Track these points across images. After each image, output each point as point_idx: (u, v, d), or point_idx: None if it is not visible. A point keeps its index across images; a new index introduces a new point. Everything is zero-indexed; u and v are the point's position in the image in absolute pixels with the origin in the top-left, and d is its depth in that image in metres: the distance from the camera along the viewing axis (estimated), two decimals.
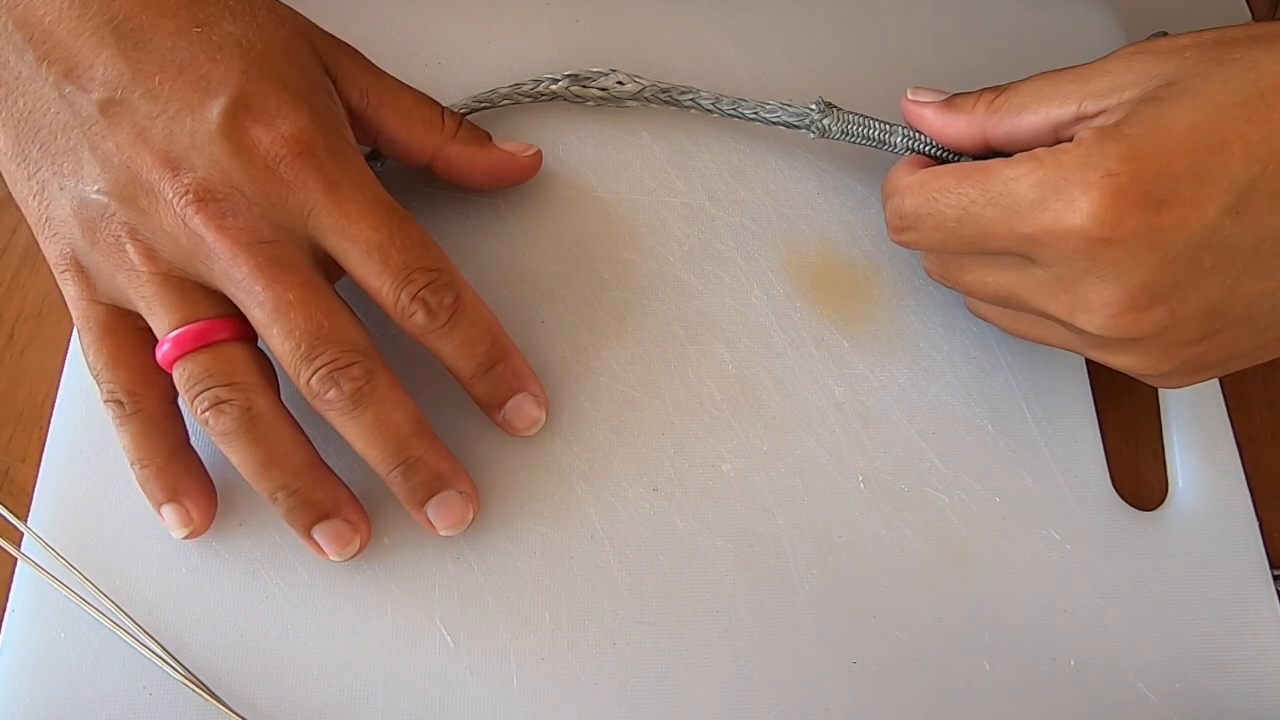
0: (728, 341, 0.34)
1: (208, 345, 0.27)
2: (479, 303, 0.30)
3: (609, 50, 0.38)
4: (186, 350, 0.27)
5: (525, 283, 0.34)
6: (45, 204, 0.28)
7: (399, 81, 0.32)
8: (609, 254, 0.34)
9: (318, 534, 0.29)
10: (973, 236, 0.28)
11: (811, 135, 0.33)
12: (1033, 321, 0.30)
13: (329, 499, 0.29)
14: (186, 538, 0.29)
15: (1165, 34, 0.37)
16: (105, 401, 0.28)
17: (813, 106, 0.33)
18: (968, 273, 0.30)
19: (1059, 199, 0.25)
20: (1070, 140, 0.26)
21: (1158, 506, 0.33)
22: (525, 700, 0.29)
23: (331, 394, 0.27)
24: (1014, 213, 0.26)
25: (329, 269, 0.29)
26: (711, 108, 0.35)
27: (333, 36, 0.31)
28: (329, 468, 0.29)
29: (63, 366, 0.33)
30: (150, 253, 0.27)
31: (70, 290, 0.28)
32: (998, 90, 0.29)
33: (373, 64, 0.32)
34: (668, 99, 0.35)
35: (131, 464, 0.29)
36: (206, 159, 0.26)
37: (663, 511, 0.31)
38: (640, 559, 0.31)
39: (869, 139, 0.33)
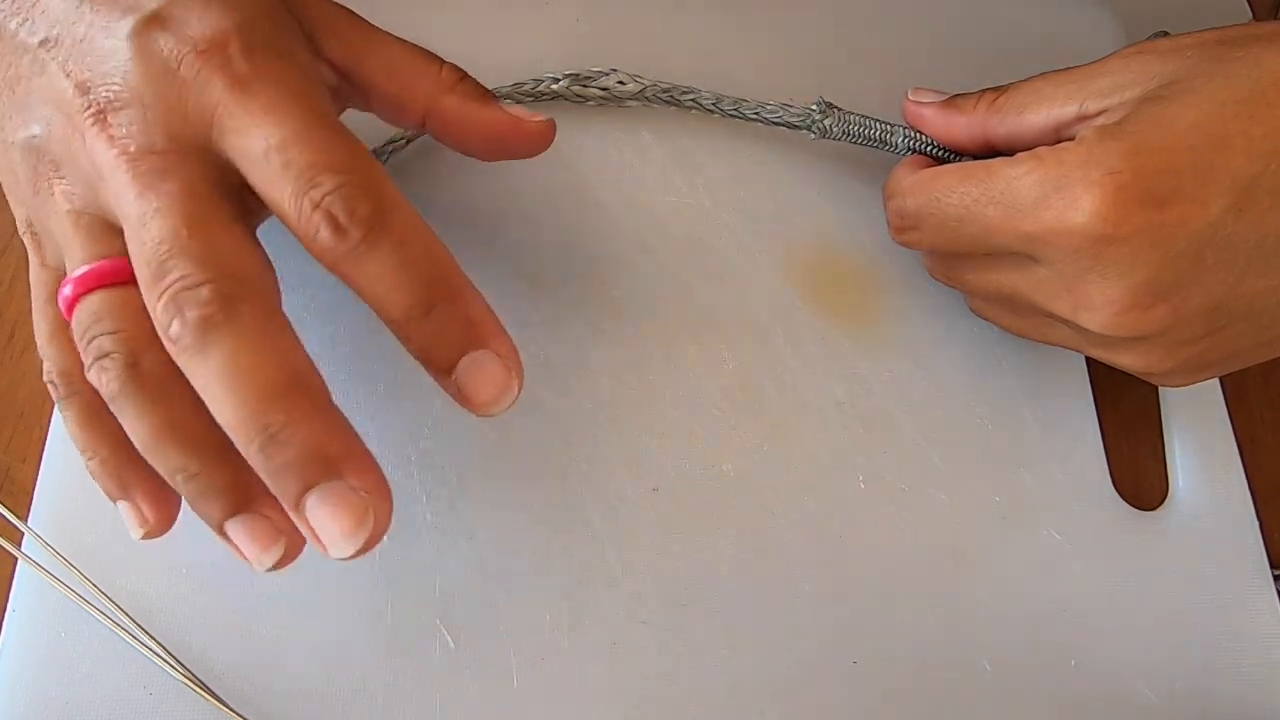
0: (728, 341, 0.34)
1: (104, 287, 0.23)
2: (414, 220, 0.23)
3: (609, 50, 0.38)
4: (81, 292, 0.23)
5: (525, 283, 0.34)
6: (9, 162, 0.26)
7: (393, 35, 0.29)
8: (609, 254, 0.34)
9: (231, 531, 0.23)
10: (975, 235, 0.28)
11: (812, 136, 0.34)
12: (1035, 320, 0.30)
13: (239, 485, 0.23)
14: (144, 538, 0.25)
15: (1166, 34, 0.37)
16: (45, 381, 0.25)
17: (814, 107, 0.33)
18: (970, 272, 0.30)
19: (1061, 196, 0.25)
20: (1072, 139, 0.26)
21: (1158, 506, 0.33)
22: (525, 700, 0.29)
23: (174, 326, 0.21)
24: (1016, 211, 0.26)
25: (247, 199, 0.24)
26: (712, 108, 0.35)
27: None
28: None
29: None
30: (68, 192, 0.24)
31: (30, 256, 0.26)
32: (999, 90, 0.29)
33: (364, 20, 0.28)
34: (669, 99, 0.35)
35: (80, 454, 0.25)
36: (112, 71, 0.23)
37: (663, 511, 0.31)
38: (640, 559, 0.31)
39: (870, 139, 0.33)
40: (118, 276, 0.23)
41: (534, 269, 0.34)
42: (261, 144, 0.22)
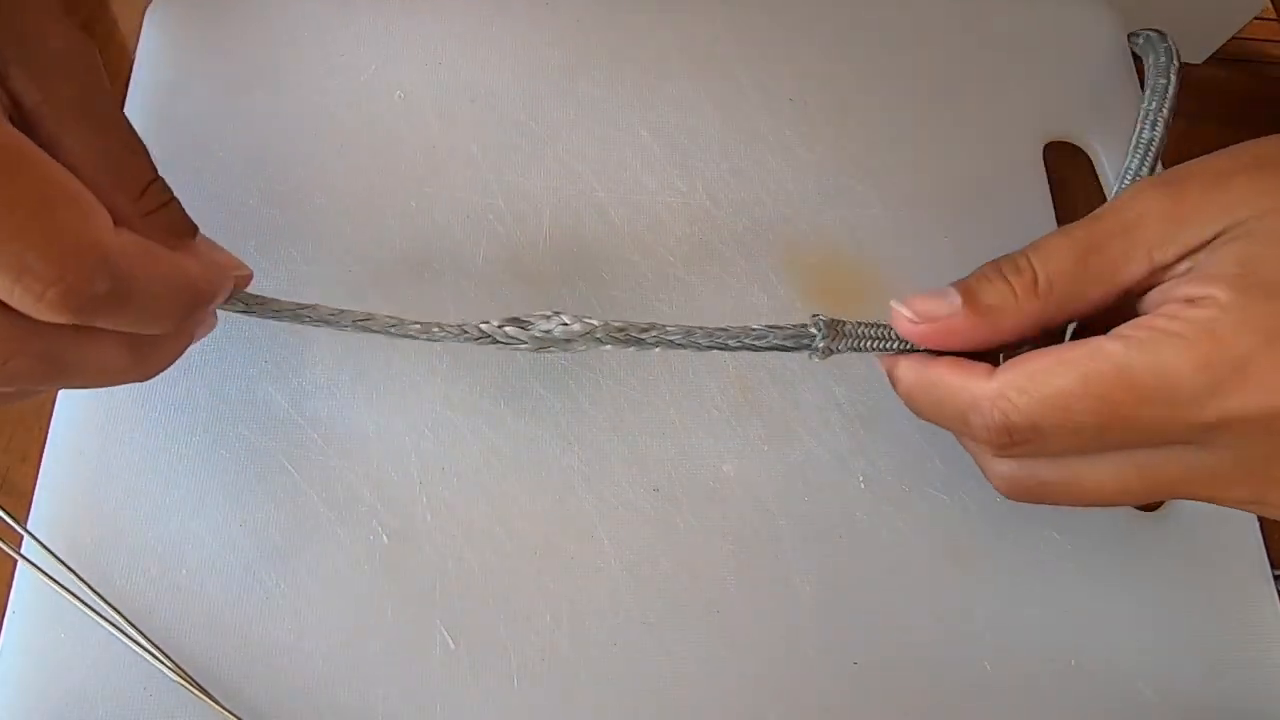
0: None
1: None
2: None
3: (609, 51, 0.38)
4: None
5: (525, 282, 0.34)
6: None
7: (110, 100, 0.23)
8: (609, 254, 0.34)
9: None
10: (1126, 439, 0.23)
11: (817, 358, 0.28)
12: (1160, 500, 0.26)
13: None
14: None
15: (1159, 32, 0.37)
16: None
17: (809, 324, 0.27)
18: (1088, 479, 0.25)
19: (1243, 379, 0.22)
20: (1153, 295, 0.24)
21: (1159, 507, 0.33)
22: (525, 700, 0.29)
23: None
24: (1183, 405, 0.22)
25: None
26: (683, 342, 0.27)
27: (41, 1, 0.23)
28: None
29: None
30: None
31: None
32: (1029, 272, 0.25)
33: (98, 68, 0.23)
34: (625, 338, 0.27)
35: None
36: None
37: (663, 512, 0.31)
38: (640, 559, 0.31)
39: (885, 345, 0.27)
40: None
41: (534, 269, 0.34)
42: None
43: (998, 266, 0.25)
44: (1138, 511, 0.33)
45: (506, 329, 0.27)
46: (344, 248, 0.33)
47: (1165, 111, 0.34)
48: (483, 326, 0.27)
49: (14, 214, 0.19)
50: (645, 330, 0.27)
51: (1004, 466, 0.26)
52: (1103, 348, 0.23)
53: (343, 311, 0.27)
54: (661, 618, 0.30)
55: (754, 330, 0.27)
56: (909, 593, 0.31)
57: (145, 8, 0.37)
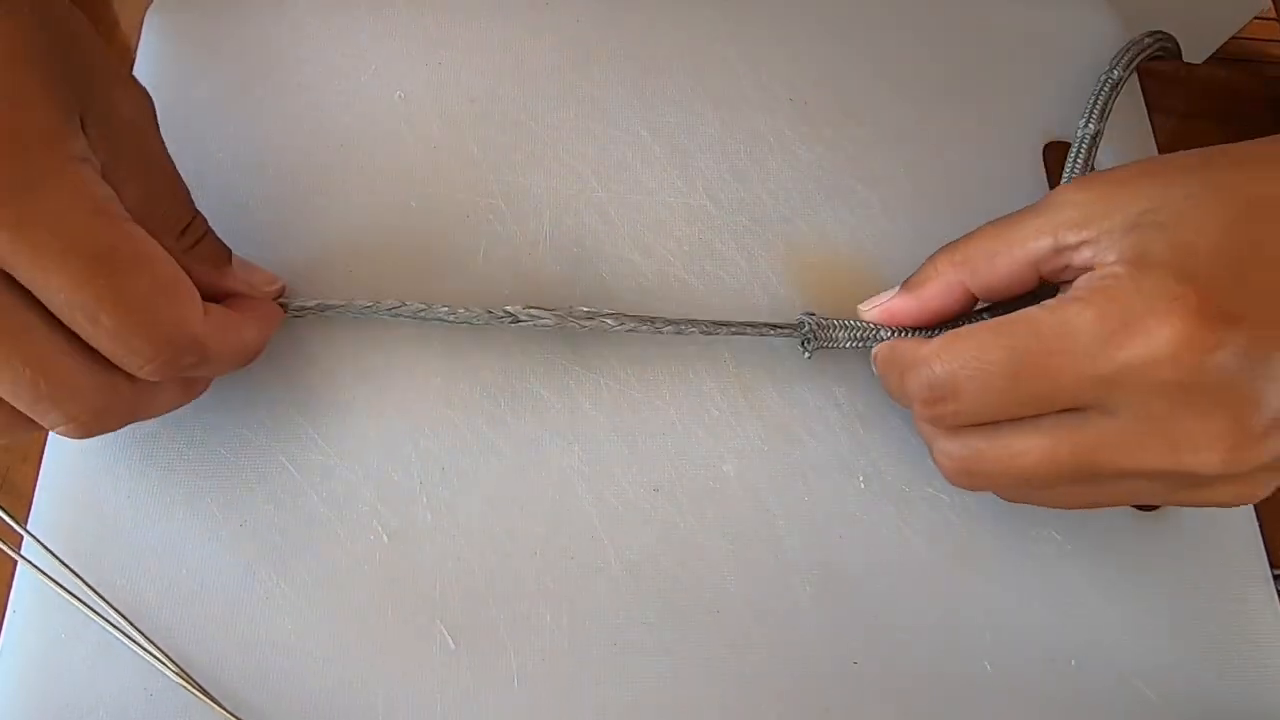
0: (728, 341, 0.34)
1: None
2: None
3: (609, 50, 0.38)
4: None
5: (525, 282, 0.34)
6: None
7: (162, 146, 0.27)
8: (609, 254, 0.34)
9: None
10: (1037, 392, 0.25)
11: (805, 352, 0.32)
12: (1096, 488, 0.27)
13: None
14: None
15: (1161, 33, 0.37)
16: None
17: (802, 318, 0.32)
18: (1017, 446, 0.26)
19: (1131, 330, 0.24)
20: (1062, 274, 0.27)
21: (1158, 507, 0.33)
22: (525, 700, 0.29)
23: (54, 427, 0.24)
24: (1083, 354, 0.24)
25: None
26: (691, 329, 0.32)
27: (109, 61, 0.26)
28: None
29: None
30: None
31: None
32: (952, 248, 0.29)
33: (148, 106, 0.27)
34: (640, 319, 0.32)
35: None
36: None
37: (663, 512, 0.31)
38: (640, 559, 0.31)
39: (863, 338, 0.32)
40: None
41: (534, 269, 0.34)
42: (63, 304, 0.23)
43: (934, 253, 0.30)
44: (1138, 511, 0.33)
45: (530, 310, 0.31)
46: (344, 248, 0.33)
47: (1099, 105, 0.36)
48: (507, 308, 0.31)
49: (132, 310, 0.23)
50: (656, 319, 0.31)
51: (948, 445, 0.28)
52: (1021, 313, 0.26)
53: (376, 304, 0.31)
54: (661, 618, 0.30)
55: (751, 324, 0.32)
56: (909, 593, 0.31)
57: (145, 8, 0.37)
